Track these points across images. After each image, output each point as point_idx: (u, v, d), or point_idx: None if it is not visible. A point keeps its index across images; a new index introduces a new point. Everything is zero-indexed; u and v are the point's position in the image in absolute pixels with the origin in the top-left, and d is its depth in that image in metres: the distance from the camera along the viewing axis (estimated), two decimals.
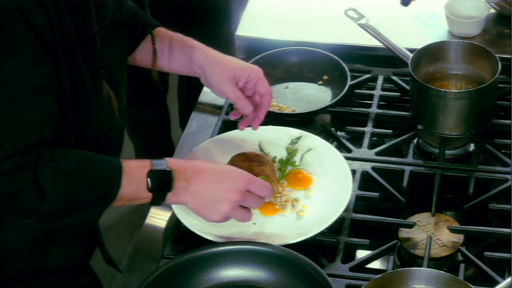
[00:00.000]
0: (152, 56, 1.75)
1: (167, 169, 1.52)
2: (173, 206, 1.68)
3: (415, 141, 1.93)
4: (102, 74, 1.53)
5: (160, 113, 3.10)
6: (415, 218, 1.70)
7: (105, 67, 1.54)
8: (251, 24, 2.26)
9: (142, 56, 1.79)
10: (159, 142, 3.15)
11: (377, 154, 1.87)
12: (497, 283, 1.54)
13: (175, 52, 1.79)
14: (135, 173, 1.50)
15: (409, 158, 1.87)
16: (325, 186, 1.76)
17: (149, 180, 1.50)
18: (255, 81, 1.76)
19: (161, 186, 1.52)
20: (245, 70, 1.76)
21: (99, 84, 1.54)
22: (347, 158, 1.82)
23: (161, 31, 1.80)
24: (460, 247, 1.64)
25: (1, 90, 1.35)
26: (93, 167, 1.49)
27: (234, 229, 1.67)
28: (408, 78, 1.90)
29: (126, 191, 1.49)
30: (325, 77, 2.06)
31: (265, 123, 1.94)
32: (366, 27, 2.01)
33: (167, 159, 1.55)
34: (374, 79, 2.08)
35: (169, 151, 3.21)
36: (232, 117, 1.82)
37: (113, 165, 1.50)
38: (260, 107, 1.78)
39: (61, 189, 1.44)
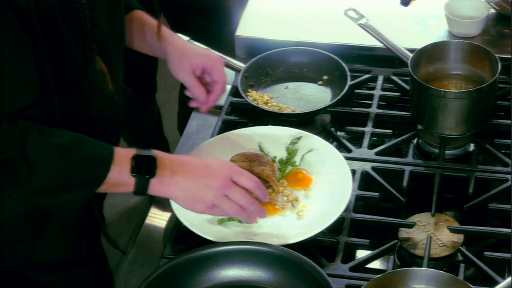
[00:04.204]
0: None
1: (152, 155, 1.53)
2: (173, 206, 1.68)
3: (415, 141, 1.93)
4: (93, 47, 1.55)
5: (150, 112, 3.09)
6: (415, 218, 1.70)
7: (98, 42, 1.55)
8: (251, 24, 2.26)
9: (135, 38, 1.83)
10: (151, 141, 3.14)
11: (377, 154, 1.87)
12: (497, 283, 1.54)
13: (147, 35, 1.83)
14: (121, 156, 1.51)
15: (409, 158, 1.87)
16: (325, 186, 1.76)
17: (133, 162, 1.51)
18: (211, 69, 1.82)
19: (145, 170, 1.52)
20: (200, 59, 1.82)
21: (91, 58, 1.55)
22: (347, 158, 1.82)
23: (139, 13, 1.84)
24: (460, 247, 1.64)
25: None
26: (85, 148, 1.49)
27: (234, 229, 1.67)
28: (408, 78, 1.90)
29: (111, 174, 1.49)
30: (325, 77, 2.05)
31: (265, 123, 1.94)
32: (366, 27, 2.01)
33: (154, 150, 1.56)
34: (374, 79, 2.08)
35: (163, 150, 3.20)
36: (191, 104, 1.88)
37: (105, 149, 1.51)
38: (211, 94, 1.84)
39: (50, 164, 1.45)
